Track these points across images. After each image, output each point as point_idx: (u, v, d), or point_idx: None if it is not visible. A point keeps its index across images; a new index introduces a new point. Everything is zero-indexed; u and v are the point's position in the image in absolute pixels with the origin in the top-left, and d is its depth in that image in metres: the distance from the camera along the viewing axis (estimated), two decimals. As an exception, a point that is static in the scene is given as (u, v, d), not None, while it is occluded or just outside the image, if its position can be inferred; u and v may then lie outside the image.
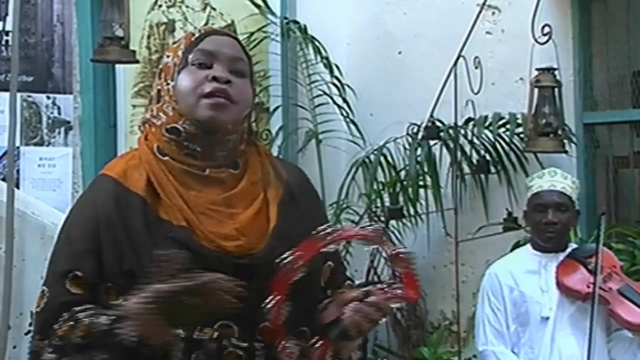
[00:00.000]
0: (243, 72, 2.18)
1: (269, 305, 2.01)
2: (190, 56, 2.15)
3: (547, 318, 4.01)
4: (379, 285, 2.10)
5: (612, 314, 3.95)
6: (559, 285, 4.02)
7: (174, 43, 2.23)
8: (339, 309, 2.09)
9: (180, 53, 2.17)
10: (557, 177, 4.15)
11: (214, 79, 2.12)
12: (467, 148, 5.16)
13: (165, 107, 2.15)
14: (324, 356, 2.06)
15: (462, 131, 5.10)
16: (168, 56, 2.20)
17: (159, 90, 2.18)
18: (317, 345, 2.05)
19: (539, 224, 4.10)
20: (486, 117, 5.04)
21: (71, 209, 2.20)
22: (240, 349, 2.06)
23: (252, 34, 5.55)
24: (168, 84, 2.16)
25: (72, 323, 2.02)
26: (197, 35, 2.19)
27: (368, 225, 2.10)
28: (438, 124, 5.08)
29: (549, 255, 4.11)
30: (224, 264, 2.03)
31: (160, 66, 2.20)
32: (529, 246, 4.24)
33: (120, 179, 2.12)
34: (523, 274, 4.11)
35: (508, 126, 5.05)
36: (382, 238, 2.08)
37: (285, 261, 2.01)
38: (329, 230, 2.05)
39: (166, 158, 2.13)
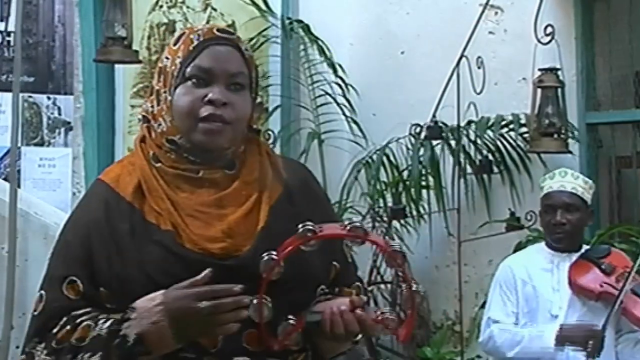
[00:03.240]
0: (242, 84, 2.13)
1: (253, 303, 2.01)
2: (187, 69, 2.10)
3: (556, 316, 4.01)
4: (379, 310, 2.11)
5: (626, 313, 3.95)
6: (572, 284, 4.01)
7: (175, 43, 2.15)
8: (329, 305, 2.10)
9: (178, 62, 2.12)
10: (568, 177, 4.14)
11: (210, 102, 2.08)
12: (470, 148, 5.15)
13: (164, 115, 2.13)
14: (292, 334, 2.05)
15: (465, 131, 5.10)
16: (167, 58, 2.14)
17: (157, 91, 2.15)
18: (290, 322, 2.05)
19: (549, 225, 4.10)
20: (488, 119, 5.04)
21: (70, 215, 2.21)
22: None
23: (254, 37, 5.55)
24: (165, 92, 2.13)
25: (69, 327, 2.02)
26: (195, 43, 2.12)
27: (349, 223, 2.06)
28: (440, 124, 5.07)
29: (562, 255, 4.11)
30: (207, 267, 2.01)
31: (160, 65, 2.15)
32: (543, 244, 4.22)
33: (112, 184, 2.12)
34: (537, 270, 4.11)
35: (511, 126, 5.05)
36: (367, 234, 2.06)
37: (264, 260, 2.01)
38: (309, 228, 2.03)
39: (159, 165, 2.12)
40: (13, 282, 3.78)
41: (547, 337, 3.93)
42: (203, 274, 1.98)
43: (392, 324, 2.06)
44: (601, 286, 3.94)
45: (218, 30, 2.15)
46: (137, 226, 2.06)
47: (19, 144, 7.41)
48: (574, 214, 4.07)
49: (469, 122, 5.09)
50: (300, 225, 2.03)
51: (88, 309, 2.03)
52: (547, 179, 4.19)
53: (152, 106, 2.16)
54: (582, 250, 4.15)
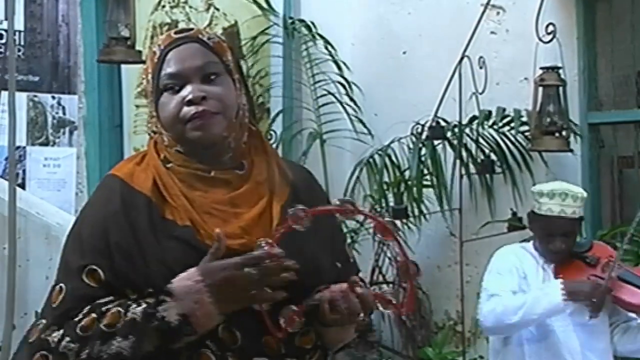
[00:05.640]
0: (216, 72, 2.16)
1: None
2: (159, 82, 2.15)
3: None
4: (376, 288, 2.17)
5: (616, 300, 3.96)
6: None
7: (145, 62, 2.22)
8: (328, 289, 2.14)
9: (150, 78, 2.18)
10: (568, 201, 3.97)
11: (190, 102, 2.12)
12: (472, 148, 5.15)
13: (163, 132, 2.19)
14: (295, 320, 2.07)
15: (467, 131, 5.10)
16: (144, 78, 2.22)
17: (151, 112, 2.21)
18: (292, 307, 2.07)
19: (546, 247, 4.01)
20: (490, 112, 5.03)
21: (82, 209, 2.23)
22: None
23: (255, 37, 5.57)
24: (151, 111, 2.20)
25: (95, 315, 2.02)
26: (158, 54, 2.17)
27: (343, 201, 2.13)
28: (442, 123, 5.07)
29: None
30: None
31: (143, 88, 2.25)
32: (531, 244, 4.21)
33: (127, 179, 2.14)
34: (527, 265, 4.09)
35: (512, 124, 5.05)
36: (356, 207, 2.12)
37: (260, 246, 2.05)
38: (300, 208, 2.07)
39: (170, 165, 2.16)
40: (14, 282, 3.77)
41: (553, 294, 3.87)
42: (214, 247, 2.01)
43: (391, 298, 2.11)
44: (588, 279, 3.96)
45: (176, 32, 2.19)
46: (156, 221, 2.09)
47: (25, 144, 7.45)
48: (571, 237, 4.02)
49: (471, 119, 5.09)
50: (290, 209, 2.08)
51: (111, 298, 2.04)
52: (546, 196, 4.00)
53: (152, 124, 2.21)
54: None
